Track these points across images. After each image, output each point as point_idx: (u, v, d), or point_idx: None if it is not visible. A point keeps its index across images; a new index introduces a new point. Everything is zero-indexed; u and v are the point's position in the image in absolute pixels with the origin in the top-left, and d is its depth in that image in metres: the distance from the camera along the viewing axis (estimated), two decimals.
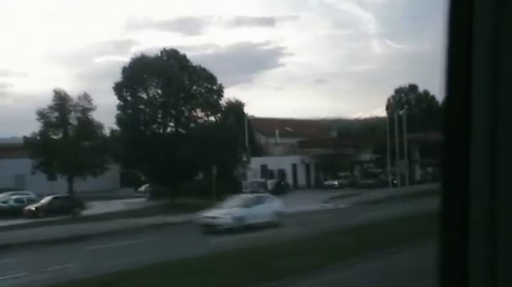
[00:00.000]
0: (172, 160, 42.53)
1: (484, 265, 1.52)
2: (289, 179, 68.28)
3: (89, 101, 40.19)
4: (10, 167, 52.93)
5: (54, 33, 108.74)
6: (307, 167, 71.98)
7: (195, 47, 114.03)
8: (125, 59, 45.30)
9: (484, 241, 1.52)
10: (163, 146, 43.51)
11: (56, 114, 39.89)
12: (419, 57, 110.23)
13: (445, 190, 1.61)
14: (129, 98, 45.55)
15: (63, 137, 39.97)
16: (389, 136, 59.67)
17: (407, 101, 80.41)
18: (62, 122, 39.67)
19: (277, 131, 72.69)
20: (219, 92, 46.94)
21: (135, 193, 61.22)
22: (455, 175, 1.58)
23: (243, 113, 49.31)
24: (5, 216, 40.28)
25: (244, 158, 45.55)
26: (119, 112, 45.03)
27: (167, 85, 45.31)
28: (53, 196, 43.94)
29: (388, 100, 79.88)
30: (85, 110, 40.31)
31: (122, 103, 45.07)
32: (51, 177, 42.07)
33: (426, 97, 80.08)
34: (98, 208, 45.93)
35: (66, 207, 42.01)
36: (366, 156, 76.25)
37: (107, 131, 46.97)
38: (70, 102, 39.91)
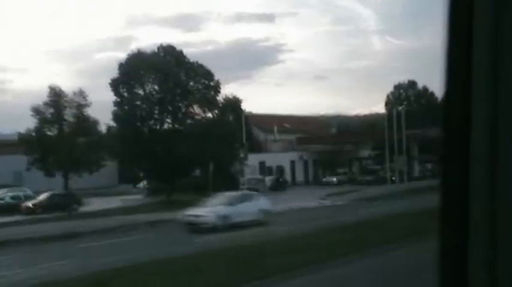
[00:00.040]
0: (169, 156, 42.38)
1: (483, 266, 1.52)
2: (288, 176, 68.06)
3: (84, 97, 39.98)
4: (8, 164, 52.75)
5: (54, 29, 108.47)
6: (306, 163, 71.78)
7: (194, 44, 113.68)
8: (125, 56, 45.15)
9: (484, 241, 1.52)
10: (160, 143, 43.35)
11: (51, 110, 39.61)
12: (419, 54, 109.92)
13: (444, 189, 1.60)
14: (125, 94, 45.33)
15: (58, 134, 39.70)
16: (388, 132, 59.51)
17: (406, 97, 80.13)
18: (57, 118, 39.43)
19: (275, 128, 72.43)
20: (216, 88, 46.74)
21: (134, 189, 61.10)
22: (455, 174, 1.57)
23: (241, 109, 49.05)
24: (1, 213, 40.11)
25: (242, 155, 45.32)
26: (115, 108, 44.85)
27: (164, 81, 45.10)
28: (51, 192, 43.89)
29: (387, 96, 79.66)
30: (80, 106, 40.04)
31: (118, 99, 44.89)
32: (49, 173, 41.81)
33: (425, 93, 79.82)
34: (95, 204, 45.87)
35: (64, 204, 41.99)
36: (365, 152, 76.10)
37: (103, 128, 46.89)
38: (65, 99, 39.63)
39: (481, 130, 1.53)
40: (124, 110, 44.82)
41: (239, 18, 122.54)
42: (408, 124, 60.57)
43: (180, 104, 46.23)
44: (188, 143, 42.24)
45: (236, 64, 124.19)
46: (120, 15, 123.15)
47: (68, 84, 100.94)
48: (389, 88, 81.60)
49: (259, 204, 30.75)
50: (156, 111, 46.12)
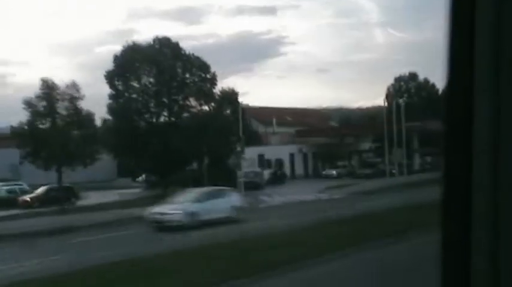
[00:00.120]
0: (164, 149, 42.03)
1: (486, 258, 1.51)
2: (287, 169, 67.66)
3: (77, 90, 39.46)
4: (5, 157, 52.51)
5: (56, 23, 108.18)
6: (305, 156, 71.34)
7: (196, 37, 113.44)
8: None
9: (486, 234, 1.51)
10: (156, 136, 43.02)
11: (44, 103, 39.20)
12: (422, 46, 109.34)
13: (447, 181, 1.60)
14: (120, 87, 44.94)
15: (51, 127, 39.29)
16: (388, 125, 59.11)
17: (407, 90, 79.58)
18: (50, 111, 39.00)
19: (274, 120, 72.01)
20: (213, 81, 46.33)
21: (133, 182, 60.91)
22: (457, 167, 1.57)
23: (238, 102, 48.67)
24: None
25: (238, 148, 44.90)
26: (110, 101, 44.53)
27: (160, 74, 44.72)
28: (48, 186, 43.72)
29: (388, 89, 79.04)
30: (73, 99, 39.58)
31: (113, 92, 44.51)
32: (46, 167, 41.61)
33: (426, 85, 79.31)
34: (92, 198, 45.78)
35: (61, 197, 41.91)
36: (366, 145, 75.69)
37: (98, 121, 46.48)
38: (57, 91, 39.20)
39: (483, 122, 1.52)
40: (119, 103, 44.46)
41: (240, 11, 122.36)
42: (409, 117, 60.15)
43: (176, 97, 45.82)
44: (184, 137, 41.89)
45: (238, 57, 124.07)
46: (121, 9, 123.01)
47: (69, 78, 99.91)
48: (392, 81, 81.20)
49: (231, 200, 29.44)
50: (152, 105, 45.73)
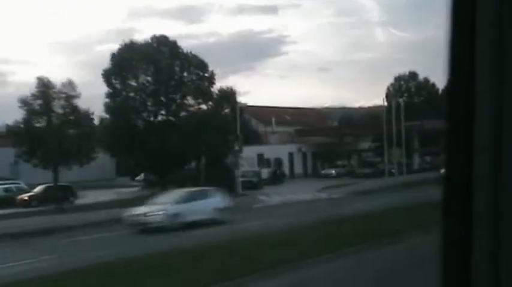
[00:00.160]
0: (162, 148, 41.87)
1: (487, 257, 1.52)
2: (286, 168, 67.48)
3: (73, 88, 39.30)
4: (4, 156, 52.43)
5: (57, 21, 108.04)
6: (304, 155, 71.16)
7: (197, 36, 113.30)
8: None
9: (487, 233, 1.52)
10: (153, 135, 42.86)
11: (39, 101, 39.03)
12: (423, 46, 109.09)
13: (448, 180, 1.60)
14: (118, 85, 44.78)
15: (46, 125, 39.11)
16: (388, 125, 58.98)
17: (407, 89, 79.27)
18: (46, 109, 38.82)
19: (273, 119, 71.81)
20: (211, 80, 46.14)
21: (132, 181, 60.78)
22: (458, 166, 1.58)
23: (236, 101, 48.52)
24: None
25: (236, 147, 44.76)
26: (107, 100, 44.38)
27: (157, 72, 44.53)
28: (46, 185, 43.66)
29: (388, 88, 78.73)
30: (69, 98, 39.40)
31: (110, 91, 44.37)
32: (45, 166, 41.54)
33: (426, 85, 79.00)
34: (90, 197, 45.65)
35: (59, 196, 41.86)
36: (366, 145, 75.53)
37: (96, 119, 46.30)
38: (53, 90, 39.02)
39: (484, 121, 1.52)
40: (116, 102, 44.29)
41: (241, 10, 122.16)
42: (409, 116, 59.98)
43: (174, 96, 45.64)
44: (182, 135, 41.74)
45: (239, 56, 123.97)
46: (122, 7, 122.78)
47: (69, 77, 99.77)
48: (392, 80, 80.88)
49: (215, 201, 28.56)
50: (150, 103, 45.57)
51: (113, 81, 44.65)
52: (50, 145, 37.33)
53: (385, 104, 66.48)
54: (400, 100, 67.41)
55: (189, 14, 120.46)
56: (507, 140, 1.51)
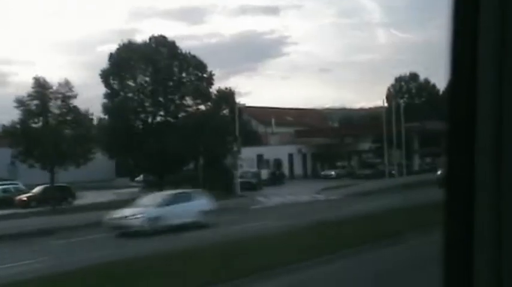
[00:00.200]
0: (161, 149, 41.68)
1: (489, 257, 1.52)
2: (286, 169, 67.27)
3: (70, 89, 39.03)
4: (1, 156, 52.32)
5: (59, 22, 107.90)
6: (304, 156, 70.94)
7: (199, 36, 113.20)
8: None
9: (489, 233, 1.52)
10: (152, 136, 42.68)
11: (36, 102, 38.83)
12: (425, 47, 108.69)
13: (449, 181, 1.60)
14: (116, 86, 44.60)
15: (43, 126, 38.89)
16: (388, 126, 58.82)
17: (407, 90, 79.06)
18: (42, 110, 38.62)
19: (273, 120, 71.64)
20: (209, 80, 45.92)
21: (132, 182, 60.62)
22: (460, 167, 1.57)
23: (234, 102, 48.33)
24: None
25: (235, 148, 44.59)
26: (105, 100, 44.21)
27: (156, 73, 44.33)
28: (45, 185, 43.56)
29: (388, 89, 78.47)
30: (66, 98, 39.19)
31: (108, 91, 44.18)
32: (43, 166, 41.41)
33: (427, 86, 78.78)
34: (88, 198, 45.55)
35: (58, 197, 41.72)
36: (366, 145, 75.33)
37: (96, 120, 46.15)
38: (50, 90, 38.81)
39: (486, 122, 1.52)
40: (115, 102, 44.09)
41: (243, 10, 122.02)
42: (410, 117, 59.81)
43: (172, 96, 45.44)
44: (180, 136, 41.57)
45: (241, 57, 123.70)
46: (124, 8, 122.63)
47: (71, 77, 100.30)
48: (393, 81, 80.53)
49: (199, 204, 27.51)
50: (148, 104, 45.38)
51: (111, 81, 44.44)
52: (46, 146, 37.09)
53: (386, 105, 66.30)
54: (401, 101, 67.26)
55: (191, 15, 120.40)
56: (509, 141, 1.51)
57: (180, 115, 45.84)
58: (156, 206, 26.24)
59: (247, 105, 65.67)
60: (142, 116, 45.54)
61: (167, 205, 26.56)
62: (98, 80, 45.19)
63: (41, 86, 38.34)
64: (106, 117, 45.83)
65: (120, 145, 43.16)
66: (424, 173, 57.56)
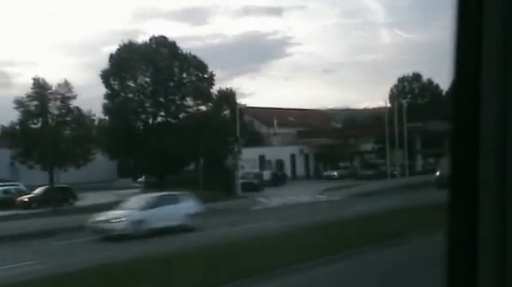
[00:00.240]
0: (161, 150, 41.53)
1: (492, 257, 1.52)
2: (288, 170, 67.05)
3: (70, 89, 38.87)
4: (3, 157, 52.27)
5: (62, 23, 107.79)
6: (307, 157, 70.73)
7: (202, 37, 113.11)
8: None
9: (493, 233, 1.52)
10: (152, 136, 42.54)
11: (35, 102, 38.68)
12: (429, 47, 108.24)
13: (453, 181, 1.60)
14: (116, 86, 44.46)
15: (42, 127, 38.73)
16: (390, 126, 58.60)
17: (410, 91, 78.71)
18: (42, 111, 38.47)
19: (275, 121, 71.43)
20: (210, 81, 45.75)
21: (134, 183, 60.51)
22: (464, 167, 1.58)
23: (235, 102, 48.20)
24: None
25: (236, 149, 44.43)
26: (105, 101, 44.05)
27: (156, 73, 44.18)
28: (46, 186, 43.46)
29: (391, 90, 78.11)
30: (65, 99, 39.04)
31: (109, 92, 44.03)
32: (44, 168, 41.34)
33: (430, 86, 78.38)
34: (90, 199, 45.36)
35: (59, 198, 41.59)
36: (369, 146, 75.09)
37: (97, 120, 45.92)
38: (49, 91, 38.66)
39: (490, 122, 1.52)
40: (115, 103, 43.95)
41: (247, 11, 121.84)
42: (413, 117, 59.54)
43: (173, 97, 45.29)
44: (181, 137, 41.43)
45: (244, 58, 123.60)
46: (127, 9, 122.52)
47: (75, 78, 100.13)
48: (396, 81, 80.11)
49: (185, 207, 26.65)
50: (148, 104, 45.23)
51: (112, 82, 44.32)
52: (46, 147, 36.94)
53: (388, 105, 65.99)
54: (403, 102, 66.97)
55: (194, 16, 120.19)
56: None
57: (180, 116, 45.66)
58: (141, 209, 25.47)
59: (250, 106, 65.70)
60: (142, 116, 45.38)
61: (152, 207, 25.78)
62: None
63: (40, 87, 38.23)
64: (106, 118, 45.63)
65: (121, 145, 43.02)
66: (427, 173, 57.26)
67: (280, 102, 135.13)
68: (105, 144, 44.29)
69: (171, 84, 44.93)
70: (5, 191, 45.42)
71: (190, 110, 46.12)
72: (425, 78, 79.24)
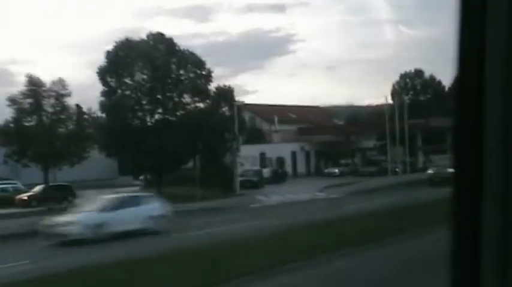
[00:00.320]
0: (159, 147, 41.16)
1: (496, 254, 1.52)
2: (289, 167, 66.65)
3: (64, 87, 38.56)
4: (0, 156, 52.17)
5: (65, 21, 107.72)
6: (307, 154, 70.31)
7: (206, 35, 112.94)
8: None
9: (496, 230, 1.52)
10: (149, 134, 42.19)
11: (30, 100, 38.30)
12: (433, 44, 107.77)
13: (457, 178, 1.60)
14: (113, 83, 44.08)
15: (37, 124, 38.38)
16: (391, 123, 58.23)
17: (412, 87, 78.16)
18: (36, 108, 38.10)
19: (276, 118, 71.00)
20: (208, 78, 45.32)
21: (135, 181, 60.26)
22: (467, 164, 1.58)
23: (234, 99, 47.78)
24: None
25: (234, 146, 44.07)
26: (102, 98, 43.65)
27: (153, 70, 43.77)
28: (46, 184, 43.26)
29: (393, 86, 77.59)
30: (59, 96, 38.68)
31: (106, 89, 43.64)
32: (44, 167, 41.13)
33: (432, 82, 77.84)
34: (89, 197, 45.09)
35: (59, 196, 41.34)
36: (370, 143, 74.69)
37: (95, 118, 45.63)
38: (43, 88, 38.28)
39: (493, 119, 1.52)
40: (112, 100, 43.56)
41: (250, 8, 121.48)
42: (415, 114, 59.12)
43: (170, 94, 44.90)
44: (179, 135, 41.07)
45: (248, 55, 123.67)
46: (130, 6, 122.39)
47: (78, 76, 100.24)
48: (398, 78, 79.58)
49: (149, 209, 24.89)
50: (146, 102, 44.86)
51: (108, 79, 43.92)
52: (40, 144, 36.60)
53: (391, 102, 65.59)
54: (406, 98, 66.53)
55: (197, 13, 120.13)
56: None
57: (178, 113, 45.23)
58: (99, 212, 23.80)
59: (251, 103, 65.42)
60: (139, 114, 44.96)
61: (112, 210, 24.06)
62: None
63: (34, 84, 37.88)
64: (103, 115, 45.25)
65: (118, 143, 42.64)
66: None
67: (283, 99, 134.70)
68: (102, 142, 43.95)
69: (169, 81, 44.49)
70: (3, 190, 45.24)
71: (188, 107, 45.73)
72: (428, 74, 78.80)
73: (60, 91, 38.38)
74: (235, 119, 45.53)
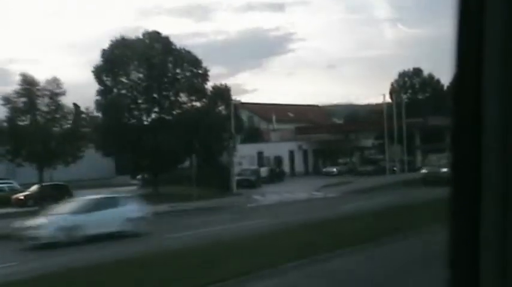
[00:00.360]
0: (155, 146, 40.99)
1: (494, 255, 1.52)
2: (286, 166, 66.43)
3: (58, 85, 38.23)
4: None
5: (66, 21, 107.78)
6: (305, 153, 70.08)
7: (205, 33, 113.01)
8: None
9: (495, 231, 1.52)
10: (146, 133, 42.01)
11: (23, 99, 38.01)
12: (432, 43, 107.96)
13: (455, 179, 1.59)
14: (109, 82, 43.87)
15: (31, 123, 38.09)
16: (389, 122, 58.12)
17: (411, 85, 77.99)
18: (30, 107, 37.82)
19: (273, 117, 70.85)
20: (204, 76, 45.11)
21: (132, 180, 60.10)
22: (466, 164, 1.58)
23: (230, 98, 47.59)
24: None
25: (231, 145, 43.87)
26: (98, 97, 43.43)
27: (150, 69, 43.56)
28: (42, 184, 43.04)
29: (392, 85, 77.39)
30: (54, 95, 38.39)
31: (101, 88, 43.43)
32: (40, 166, 40.89)
33: (431, 81, 77.67)
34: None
35: (55, 195, 41.13)
36: (369, 142, 74.56)
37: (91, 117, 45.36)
38: (37, 87, 37.98)
39: (492, 119, 1.52)
40: (108, 99, 43.36)
41: (249, 7, 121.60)
42: (413, 113, 59.00)
43: (167, 93, 44.70)
44: (175, 134, 40.90)
45: (247, 54, 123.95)
46: (130, 6, 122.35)
47: (77, 75, 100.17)
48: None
49: (127, 210, 24.08)
50: (142, 101, 44.66)
51: (104, 78, 43.72)
52: (35, 144, 36.31)
53: (389, 100, 65.44)
54: (404, 97, 66.41)
55: (197, 12, 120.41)
56: None
57: (174, 112, 45.03)
58: (73, 214, 23.01)
59: (249, 102, 65.27)
60: (136, 113, 44.76)
61: (87, 211, 23.25)
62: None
63: (28, 83, 37.58)
64: (99, 114, 45.03)
65: (114, 142, 42.44)
66: None
67: (282, 98, 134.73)
68: (98, 141, 43.76)
69: (165, 80, 44.29)
70: None
71: (184, 106, 45.53)
72: (426, 73, 78.64)
73: (54, 90, 38.02)
74: (232, 118, 45.29)
